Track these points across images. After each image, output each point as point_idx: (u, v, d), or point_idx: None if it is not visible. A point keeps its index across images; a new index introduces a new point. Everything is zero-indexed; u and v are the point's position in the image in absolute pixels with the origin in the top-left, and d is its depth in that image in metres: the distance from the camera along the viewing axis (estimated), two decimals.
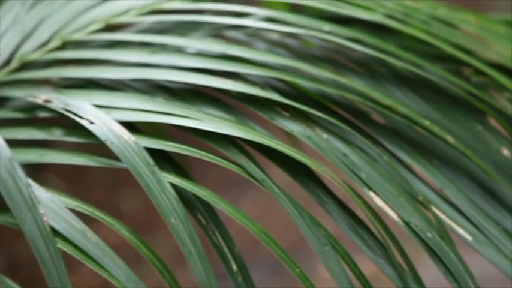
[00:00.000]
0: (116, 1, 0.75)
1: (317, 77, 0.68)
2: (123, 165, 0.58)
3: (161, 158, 0.61)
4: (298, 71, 0.68)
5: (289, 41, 0.74)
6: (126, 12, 0.74)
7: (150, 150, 0.59)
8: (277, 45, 0.74)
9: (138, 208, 2.44)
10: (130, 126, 0.61)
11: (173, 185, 0.57)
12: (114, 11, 0.74)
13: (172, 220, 0.55)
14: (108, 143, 0.59)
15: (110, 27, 0.74)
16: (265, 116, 0.64)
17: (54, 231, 0.55)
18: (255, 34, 0.75)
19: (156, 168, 0.58)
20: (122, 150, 0.59)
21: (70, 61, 0.74)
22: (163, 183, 0.57)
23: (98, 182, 2.84)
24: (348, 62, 0.72)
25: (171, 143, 0.60)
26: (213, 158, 0.59)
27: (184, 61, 0.68)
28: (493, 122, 0.68)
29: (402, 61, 0.69)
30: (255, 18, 0.74)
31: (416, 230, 0.57)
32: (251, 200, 2.68)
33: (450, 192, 0.61)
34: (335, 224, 0.60)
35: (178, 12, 0.74)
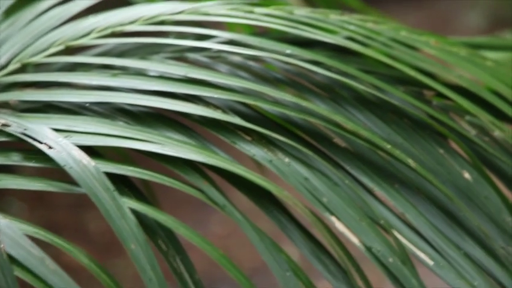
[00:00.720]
0: (76, 23, 0.75)
1: (279, 100, 0.68)
2: (83, 190, 0.58)
3: (122, 183, 0.60)
4: (261, 94, 0.68)
5: (252, 64, 0.74)
6: (86, 34, 0.74)
7: (110, 175, 0.59)
8: (239, 67, 0.74)
9: (104, 228, 2.41)
10: (91, 150, 0.61)
11: (133, 211, 0.57)
12: (75, 33, 0.74)
13: (132, 246, 0.55)
14: (67, 168, 0.59)
15: (71, 50, 0.74)
16: (227, 140, 0.64)
17: (12, 259, 0.54)
18: (217, 56, 0.75)
19: (116, 194, 0.57)
20: (81, 175, 0.58)
21: (29, 84, 0.73)
22: (123, 209, 0.57)
23: (63, 201, 2.81)
24: (311, 85, 0.72)
25: (131, 168, 0.60)
26: (174, 183, 0.59)
27: (145, 84, 0.68)
28: (454, 145, 0.68)
29: (364, 84, 0.70)
30: (217, 41, 0.74)
31: (378, 255, 0.57)
32: (220, 221, 2.68)
33: (411, 216, 0.62)
34: (298, 249, 0.60)
35: (140, 34, 0.74)
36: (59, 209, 2.75)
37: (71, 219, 2.72)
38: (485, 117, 0.69)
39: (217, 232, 2.62)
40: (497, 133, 0.69)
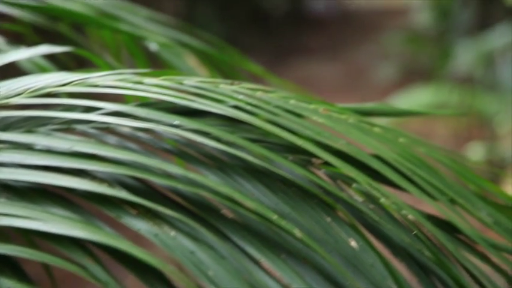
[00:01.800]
0: None
1: (167, 172, 0.69)
2: None
3: (2, 262, 0.60)
4: (149, 166, 0.69)
5: (141, 135, 0.75)
6: None
7: None
8: (128, 138, 0.75)
9: None
10: None
11: None
12: None
13: None
14: None
15: None
16: (113, 215, 0.65)
17: None
18: (105, 128, 0.76)
19: None
20: None
21: None
22: None
23: None
24: (199, 155, 0.73)
25: (11, 246, 0.60)
26: (55, 261, 0.59)
27: (30, 159, 0.68)
28: (341, 213, 0.70)
29: (252, 154, 0.71)
30: (104, 112, 0.74)
31: None
32: None
33: (298, 287, 0.63)
34: None
35: (26, 107, 0.74)
36: None
37: None
38: (371, 185, 0.71)
39: None
40: (383, 200, 0.72)
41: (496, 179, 4.64)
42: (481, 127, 5.33)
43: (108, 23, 0.97)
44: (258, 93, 0.78)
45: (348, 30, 14.64)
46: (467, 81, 6.09)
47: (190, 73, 1.22)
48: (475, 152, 3.87)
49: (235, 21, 11.88)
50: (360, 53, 11.69)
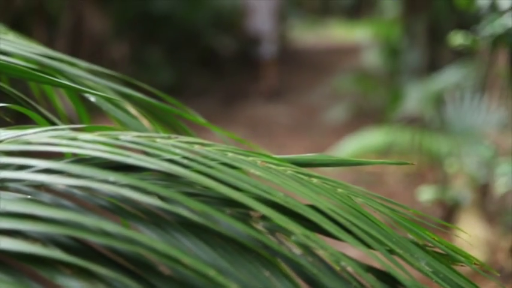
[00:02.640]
0: None
1: (103, 229, 0.70)
2: None
3: None
4: (84, 224, 0.70)
5: (76, 192, 0.75)
6: None
7: None
8: (64, 196, 0.75)
9: None
10: None
11: None
12: None
13: None
14: None
15: None
16: (47, 275, 0.65)
17: None
18: (40, 185, 0.76)
19: None
20: None
21: None
22: None
23: None
24: (136, 211, 0.74)
25: None
26: None
27: None
28: (280, 266, 0.72)
29: (189, 209, 0.72)
30: (38, 170, 0.75)
31: None
32: None
33: None
34: None
35: None
36: None
37: None
38: (309, 237, 0.73)
39: None
40: (321, 252, 0.73)
41: (448, 218, 4.71)
42: (432, 167, 5.42)
43: (47, 78, 0.98)
44: (196, 147, 0.79)
45: (298, 70, 14.82)
46: (417, 122, 6.20)
47: (131, 124, 1.23)
48: (427, 193, 3.93)
49: (186, 64, 11.94)
50: (310, 94, 11.82)
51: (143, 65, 10.26)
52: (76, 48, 8.69)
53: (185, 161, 0.76)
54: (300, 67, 15.54)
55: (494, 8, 3.56)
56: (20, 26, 7.86)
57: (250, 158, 0.81)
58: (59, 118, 1.45)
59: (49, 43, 8.61)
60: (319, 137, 8.24)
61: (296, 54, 18.18)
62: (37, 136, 0.76)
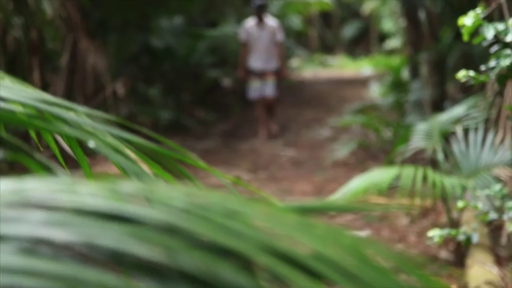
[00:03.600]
0: None
1: (104, 284, 0.70)
2: None
3: None
4: (85, 279, 0.70)
5: (77, 243, 0.76)
6: None
7: None
8: (64, 247, 0.76)
9: None
10: None
11: None
12: None
13: None
14: None
15: None
16: None
17: None
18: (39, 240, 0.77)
19: None
20: None
21: None
22: None
23: None
24: (138, 262, 0.75)
25: None
26: None
27: None
28: None
29: (192, 261, 0.73)
30: (36, 223, 0.76)
31: None
32: None
33: None
34: None
35: None
36: None
37: None
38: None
39: None
40: None
41: (458, 255, 4.69)
42: (441, 203, 5.41)
43: (46, 125, 0.99)
44: (197, 196, 0.80)
45: (303, 105, 14.88)
46: (424, 161, 6.20)
47: (130, 169, 1.24)
48: (436, 235, 3.92)
49: (186, 101, 12.01)
50: (314, 129, 11.85)
51: (143, 103, 10.31)
52: (75, 86, 8.75)
53: (186, 212, 0.76)
54: (305, 101, 15.62)
55: (500, 41, 3.59)
56: (17, 64, 7.92)
57: (253, 208, 0.82)
58: (58, 161, 1.46)
59: (47, 82, 8.67)
60: (323, 175, 8.25)
61: (301, 89, 18.27)
62: (37, 189, 0.77)
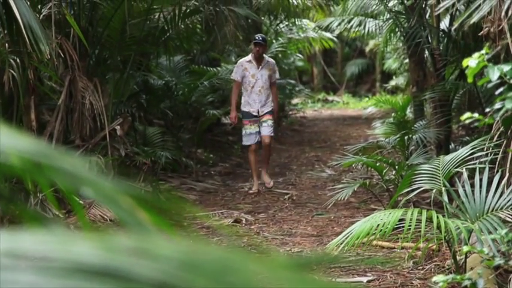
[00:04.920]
0: None
1: None
2: None
3: None
4: None
5: None
6: None
7: None
8: None
9: None
10: None
11: None
12: None
13: None
14: None
15: None
16: None
17: None
18: None
19: None
20: None
21: None
22: None
23: None
24: None
25: None
26: None
27: None
28: None
29: None
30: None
31: None
32: None
33: None
34: None
35: None
36: None
37: None
38: None
39: None
40: None
41: None
42: (446, 246, 5.40)
43: (42, 177, 1.00)
44: (191, 254, 0.80)
45: (305, 144, 14.91)
46: (429, 204, 6.20)
47: (127, 219, 1.24)
48: (441, 280, 3.91)
49: (185, 141, 12.04)
50: (316, 169, 11.85)
51: (142, 142, 10.34)
52: (73, 125, 8.77)
53: (181, 269, 0.77)
54: (307, 140, 15.65)
55: (505, 83, 3.61)
56: (13, 104, 7.96)
57: (250, 262, 0.82)
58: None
59: (44, 121, 8.71)
60: (325, 216, 8.23)
61: (302, 127, 18.32)
62: (29, 244, 0.77)
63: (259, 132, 9.96)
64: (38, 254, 0.75)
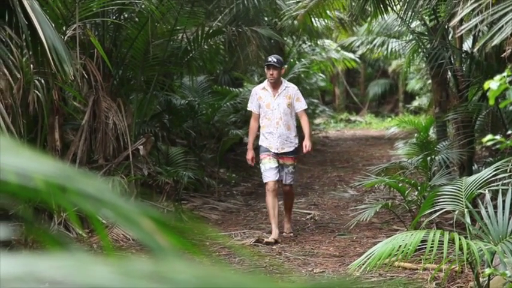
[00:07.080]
0: None
1: None
2: None
3: None
4: None
5: None
6: None
7: None
8: None
9: None
10: None
11: None
12: None
13: None
14: None
15: None
16: None
17: None
18: None
19: None
20: None
21: None
22: None
23: None
24: None
25: None
26: None
27: None
28: None
29: None
30: None
31: None
32: None
33: None
34: None
35: None
36: None
37: None
38: None
39: None
40: None
41: None
42: (468, 268, 5.36)
43: (65, 200, 1.01)
44: (211, 279, 0.81)
45: (328, 165, 14.88)
46: (451, 225, 6.17)
47: (146, 241, 1.25)
48: None
49: (208, 161, 12.07)
50: (339, 189, 11.81)
51: (165, 162, 10.37)
52: (96, 145, 8.83)
53: None
54: (329, 160, 15.62)
55: None
56: (38, 125, 8.04)
57: (269, 283, 0.83)
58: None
59: (68, 142, 8.77)
60: (347, 237, 8.20)
61: (325, 148, 18.29)
62: (49, 268, 0.78)
63: (281, 167, 8.32)
64: (56, 277, 0.76)
